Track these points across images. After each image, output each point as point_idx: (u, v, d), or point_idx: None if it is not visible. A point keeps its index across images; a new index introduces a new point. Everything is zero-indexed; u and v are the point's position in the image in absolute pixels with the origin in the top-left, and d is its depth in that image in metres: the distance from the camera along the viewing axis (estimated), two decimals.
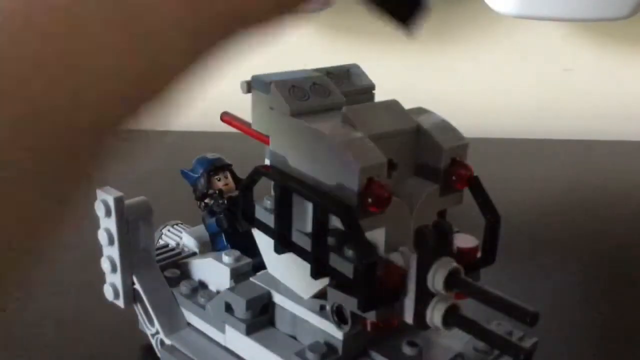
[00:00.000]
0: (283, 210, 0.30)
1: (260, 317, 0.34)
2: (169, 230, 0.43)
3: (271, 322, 0.34)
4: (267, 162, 0.32)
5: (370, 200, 0.26)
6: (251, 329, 0.33)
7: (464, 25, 0.82)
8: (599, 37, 0.83)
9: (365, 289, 0.26)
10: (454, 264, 0.26)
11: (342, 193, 0.27)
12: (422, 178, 0.30)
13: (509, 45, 0.83)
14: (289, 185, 0.29)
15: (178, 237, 0.42)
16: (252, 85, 0.31)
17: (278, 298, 0.33)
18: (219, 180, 0.40)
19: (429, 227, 0.26)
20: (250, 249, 0.36)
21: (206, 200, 0.40)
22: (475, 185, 0.30)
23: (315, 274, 0.28)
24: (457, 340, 0.32)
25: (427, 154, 0.30)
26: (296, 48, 0.71)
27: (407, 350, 0.31)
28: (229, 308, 0.34)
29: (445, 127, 0.30)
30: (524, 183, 0.71)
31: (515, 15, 0.71)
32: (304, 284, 0.31)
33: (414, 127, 0.30)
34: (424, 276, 0.26)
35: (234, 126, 0.34)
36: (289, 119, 0.29)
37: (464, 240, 0.29)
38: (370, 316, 0.27)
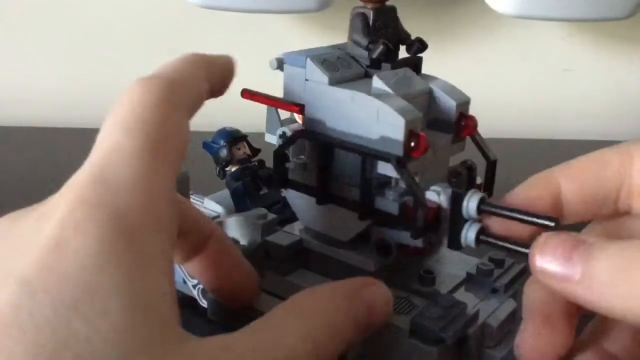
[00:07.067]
0: (325, 167, 0.35)
1: (295, 261, 0.38)
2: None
3: (304, 266, 0.38)
4: (275, 135, 0.37)
5: (413, 148, 0.32)
6: (289, 271, 0.38)
7: (464, 25, 0.83)
8: (599, 37, 0.83)
9: (418, 221, 0.31)
10: (482, 193, 0.30)
11: (387, 144, 0.32)
12: (435, 130, 0.36)
13: (509, 45, 0.83)
14: (334, 143, 0.34)
15: (199, 204, 0.45)
16: (285, 62, 0.36)
17: (311, 243, 0.38)
18: (239, 150, 0.46)
19: (460, 167, 0.33)
20: (271, 209, 0.41)
21: (227, 168, 0.45)
22: (476, 136, 0.37)
23: (362, 217, 0.34)
24: (462, 268, 0.37)
25: (439, 109, 0.36)
26: (296, 48, 0.71)
27: (424, 277, 0.36)
28: (267, 254, 0.38)
29: (452, 88, 0.37)
30: None
31: (515, 15, 0.71)
32: (342, 229, 0.36)
33: (428, 88, 0.36)
34: (458, 206, 0.30)
35: (256, 100, 0.36)
36: (328, 88, 0.34)
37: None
38: (418, 243, 0.32)
